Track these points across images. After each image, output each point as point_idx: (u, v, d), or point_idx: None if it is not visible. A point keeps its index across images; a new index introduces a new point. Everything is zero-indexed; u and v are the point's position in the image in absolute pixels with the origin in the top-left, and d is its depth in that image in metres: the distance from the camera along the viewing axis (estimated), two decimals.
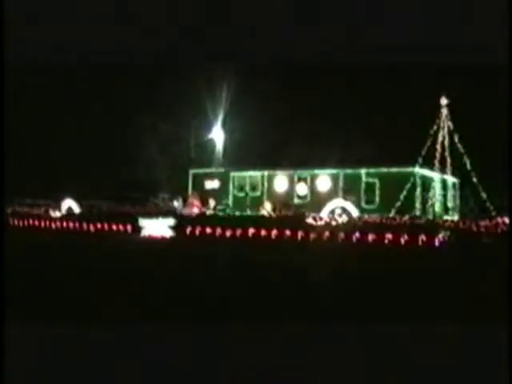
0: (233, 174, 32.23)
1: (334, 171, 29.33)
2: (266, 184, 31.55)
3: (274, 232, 24.09)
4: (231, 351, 6.38)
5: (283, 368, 5.85)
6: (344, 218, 24.82)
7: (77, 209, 33.26)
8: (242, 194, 31.69)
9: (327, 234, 23.02)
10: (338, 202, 26.94)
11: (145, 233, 27.33)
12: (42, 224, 32.13)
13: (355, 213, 25.93)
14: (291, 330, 7.22)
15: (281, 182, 31.29)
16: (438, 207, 27.23)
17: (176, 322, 7.63)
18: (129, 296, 10.05)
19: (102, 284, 11.59)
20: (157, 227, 27.22)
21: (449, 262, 16.93)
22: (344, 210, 25.97)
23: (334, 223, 24.28)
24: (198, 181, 32.83)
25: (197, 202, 31.47)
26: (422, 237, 20.90)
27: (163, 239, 26.08)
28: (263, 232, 24.37)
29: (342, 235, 22.71)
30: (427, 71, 29.97)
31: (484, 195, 25.16)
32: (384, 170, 27.92)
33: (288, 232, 23.74)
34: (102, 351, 6.30)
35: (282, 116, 36.62)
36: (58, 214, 33.15)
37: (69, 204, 33.49)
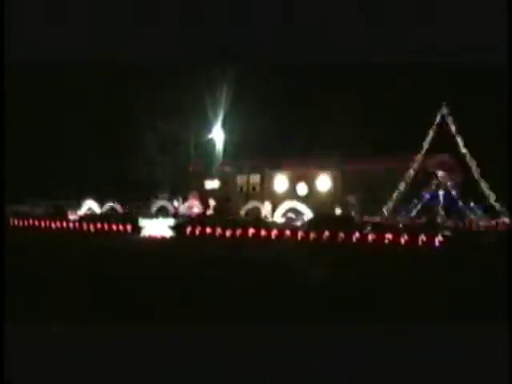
0: None
1: None
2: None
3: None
4: (230, 351, 6.38)
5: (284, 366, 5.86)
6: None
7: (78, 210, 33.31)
8: None
9: None
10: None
11: (145, 233, 27.34)
12: (42, 224, 32.21)
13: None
14: (291, 329, 7.22)
15: None
16: None
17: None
18: (128, 296, 10.05)
19: (102, 284, 11.58)
20: (157, 227, 27.24)
21: (449, 262, 16.92)
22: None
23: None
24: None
25: (197, 202, 31.50)
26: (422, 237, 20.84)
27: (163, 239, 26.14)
28: None
29: None
30: (427, 71, 29.98)
31: (483, 195, 25.16)
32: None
33: None
34: (102, 350, 6.31)
35: (281, 115, 36.66)
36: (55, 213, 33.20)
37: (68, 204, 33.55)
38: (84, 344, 6.53)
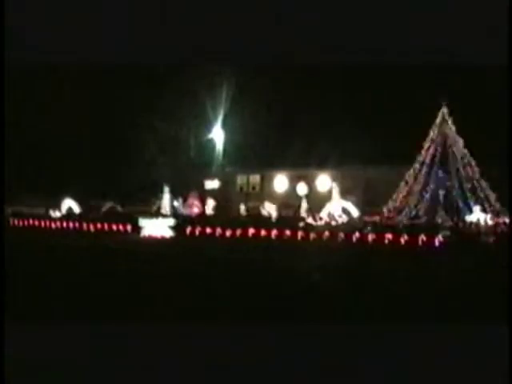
0: None
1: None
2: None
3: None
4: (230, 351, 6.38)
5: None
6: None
7: (77, 209, 33.20)
8: None
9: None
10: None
11: (145, 233, 27.34)
12: (42, 224, 32.19)
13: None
14: (291, 329, 7.22)
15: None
16: None
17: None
18: (129, 296, 10.06)
19: (102, 283, 11.59)
20: (157, 227, 27.24)
21: (449, 262, 16.91)
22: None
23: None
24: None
25: (197, 202, 31.46)
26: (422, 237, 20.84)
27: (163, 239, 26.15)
28: None
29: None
30: (427, 71, 29.97)
31: (483, 195, 25.13)
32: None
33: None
34: (102, 350, 6.31)
35: (281, 116, 36.66)
36: (57, 214, 33.14)
37: (69, 204, 33.43)
38: (84, 344, 6.53)
